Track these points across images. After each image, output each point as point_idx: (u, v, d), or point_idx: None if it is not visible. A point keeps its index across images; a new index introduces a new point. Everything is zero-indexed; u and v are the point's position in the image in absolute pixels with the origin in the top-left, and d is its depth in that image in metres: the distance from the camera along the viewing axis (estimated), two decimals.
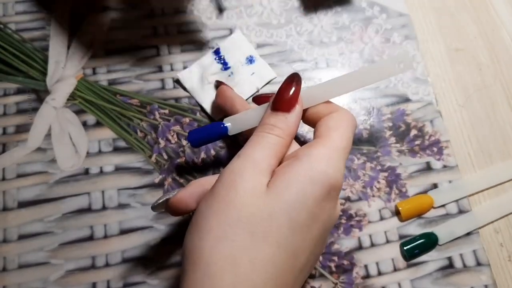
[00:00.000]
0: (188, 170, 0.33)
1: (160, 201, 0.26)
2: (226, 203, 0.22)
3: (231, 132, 0.29)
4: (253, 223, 0.21)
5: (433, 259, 0.32)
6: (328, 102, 0.27)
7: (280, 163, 0.25)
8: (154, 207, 0.27)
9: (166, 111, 0.35)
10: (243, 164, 0.23)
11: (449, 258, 0.32)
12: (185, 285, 0.21)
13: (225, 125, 0.29)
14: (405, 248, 0.31)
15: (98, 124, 0.34)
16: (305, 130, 0.35)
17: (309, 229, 0.22)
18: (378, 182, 0.34)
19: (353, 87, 0.27)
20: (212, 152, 0.34)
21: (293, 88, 0.26)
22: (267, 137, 0.24)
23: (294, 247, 0.22)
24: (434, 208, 0.33)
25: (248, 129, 0.28)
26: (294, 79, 0.26)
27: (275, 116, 0.25)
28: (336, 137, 0.25)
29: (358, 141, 0.35)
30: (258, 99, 0.32)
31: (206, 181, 0.26)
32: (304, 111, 0.27)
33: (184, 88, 0.36)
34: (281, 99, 0.25)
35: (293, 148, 0.26)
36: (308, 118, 0.28)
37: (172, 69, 0.36)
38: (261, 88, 0.36)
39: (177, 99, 0.36)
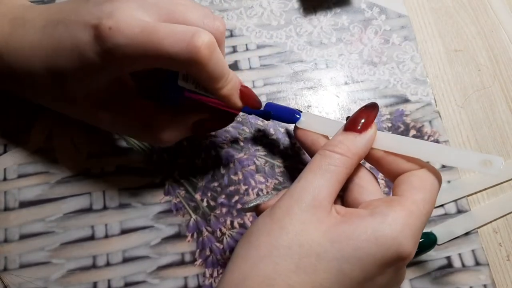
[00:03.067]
0: (189, 170, 0.34)
1: (251, 204, 0.27)
2: (279, 227, 0.22)
3: (300, 125, 0.29)
4: (300, 255, 0.21)
5: (432, 258, 0.32)
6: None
7: (351, 196, 0.25)
8: (244, 209, 0.27)
9: None
10: (302, 191, 0.23)
11: (448, 258, 0.32)
12: (220, 287, 0.22)
13: (299, 116, 0.29)
14: None
15: None
16: None
17: (360, 287, 0.22)
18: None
19: (430, 158, 0.25)
20: (213, 152, 0.34)
21: (369, 114, 0.25)
22: (329, 158, 0.24)
23: None
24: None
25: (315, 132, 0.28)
26: (371, 107, 0.26)
27: (345, 134, 0.25)
28: (419, 199, 0.23)
29: None
30: None
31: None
32: (381, 159, 0.26)
33: None
34: (355, 120, 0.25)
35: (365, 177, 0.25)
36: (385, 167, 0.26)
37: None
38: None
39: None
